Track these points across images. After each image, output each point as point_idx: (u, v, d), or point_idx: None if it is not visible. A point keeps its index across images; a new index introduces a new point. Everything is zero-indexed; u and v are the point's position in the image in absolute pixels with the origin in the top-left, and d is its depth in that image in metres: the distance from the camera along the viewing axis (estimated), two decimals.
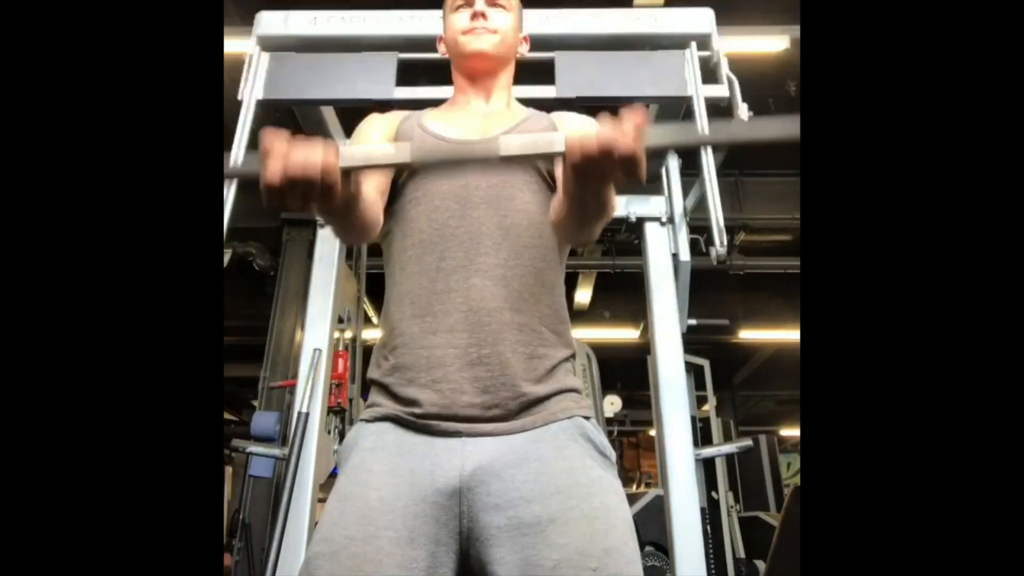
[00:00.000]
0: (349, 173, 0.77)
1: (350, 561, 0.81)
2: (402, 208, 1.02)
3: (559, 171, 1.01)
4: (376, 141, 1.08)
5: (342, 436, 3.33)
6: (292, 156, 0.71)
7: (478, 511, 0.85)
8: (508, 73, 1.17)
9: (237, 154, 1.84)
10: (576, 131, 0.74)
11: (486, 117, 1.10)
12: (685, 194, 2.31)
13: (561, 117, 1.11)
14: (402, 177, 1.03)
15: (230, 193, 1.80)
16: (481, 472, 0.86)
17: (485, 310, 0.92)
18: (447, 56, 1.18)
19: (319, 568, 0.82)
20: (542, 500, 0.84)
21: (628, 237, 2.36)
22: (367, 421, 0.95)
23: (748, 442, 2.54)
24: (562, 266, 1.05)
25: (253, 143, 1.91)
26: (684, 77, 1.89)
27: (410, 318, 0.94)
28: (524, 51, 1.21)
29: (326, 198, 0.74)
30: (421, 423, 0.90)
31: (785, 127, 0.68)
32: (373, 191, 0.99)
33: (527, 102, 1.18)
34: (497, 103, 1.14)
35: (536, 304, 0.96)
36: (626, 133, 0.71)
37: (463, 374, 0.89)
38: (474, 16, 1.09)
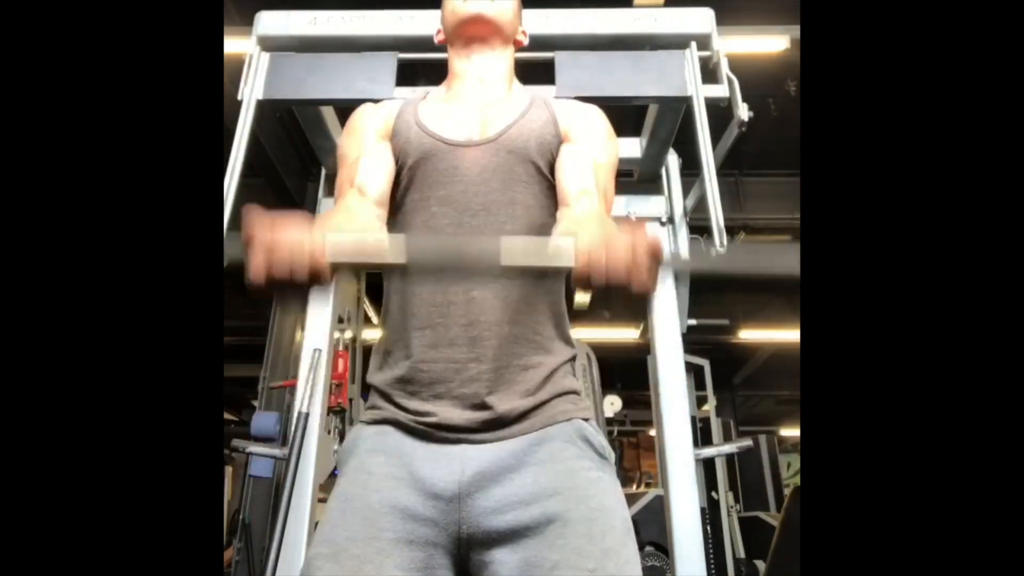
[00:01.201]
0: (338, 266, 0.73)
1: (351, 561, 0.81)
2: (400, 213, 1.00)
3: (560, 175, 0.99)
4: (372, 143, 1.03)
5: (342, 436, 3.33)
6: (277, 253, 0.68)
7: (477, 516, 0.85)
8: (507, 56, 1.11)
9: (237, 155, 1.84)
10: (586, 246, 0.69)
11: (484, 108, 1.05)
12: (685, 194, 2.31)
13: (561, 108, 1.06)
14: (402, 173, 1.01)
15: (230, 193, 1.80)
16: (480, 478, 0.86)
17: (485, 323, 0.91)
18: (444, 41, 1.13)
19: (320, 569, 0.82)
20: (541, 502, 0.84)
21: None
22: (367, 423, 0.95)
23: (748, 442, 2.54)
24: None
25: (253, 144, 1.91)
26: (684, 77, 1.89)
27: (409, 330, 0.94)
28: (524, 41, 1.16)
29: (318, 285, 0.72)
30: (421, 430, 0.90)
31: (791, 259, 0.68)
32: (374, 206, 0.97)
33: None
34: (496, 89, 1.08)
35: (535, 312, 0.95)
36: (639, 266, 0.67)
37: (464, 390, 0.89)
38: None
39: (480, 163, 0.98)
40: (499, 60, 1.09)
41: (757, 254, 0.73)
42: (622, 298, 0.69)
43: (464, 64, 1.09)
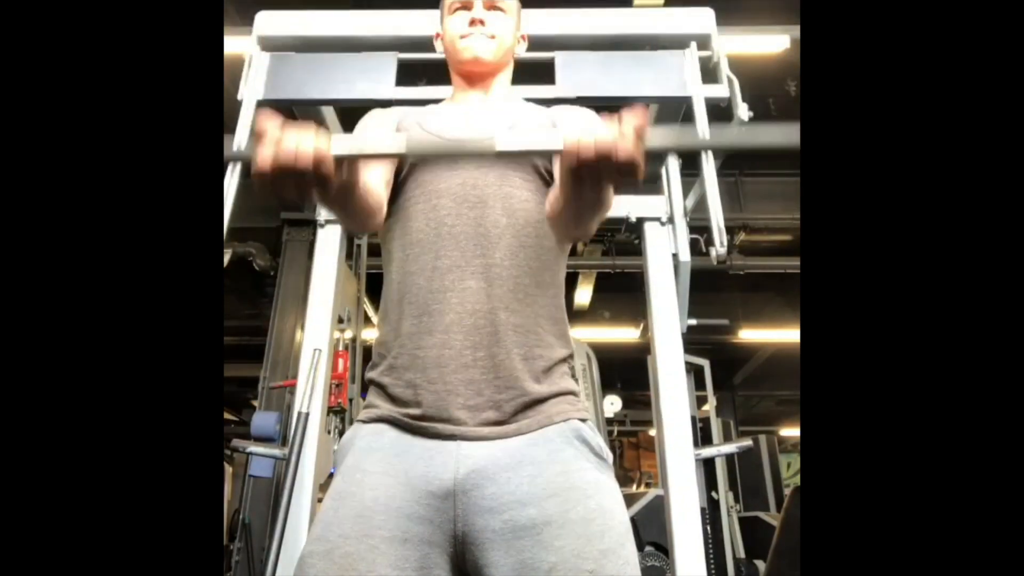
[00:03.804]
0: (343, 161, 0.76)
1: (343, 560, 0.81)
2: (400, 206, 1.02)
3: (556, 167, 1.01)
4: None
5: (342, 436, 3.33)
6: (284, 144, 0.71)
7: (472, 514, 0.85)
8: (506, 73, 1.17)
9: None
10: (575, 131, 0.73)
11: (484, 112, 1.10)
12: (685, 194, 2.30)
13: (561, 114, 1.09)
14: (402, 173, 1.03)
15: (230, 192, 1.80)
16: (476, 475, 0.86)
17: (481, 311, 0.92)
18: (444, 55, 1.17)
19: (313, 567, 0.82)
20: (537, 503, 0.84)
21: (628, 237, 2.35)
22: (363, 422, 0.95)
23: (748, 442, 2.54)
24: (561, 265, 1.05)
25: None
26: (684, 77, 1.90)
27: (406, 317, 0.94)
28: (522, 51, 1.20)
29: (320, 186, 0.74)
30: (416, 425, 0.90)
31: (785, 134, 0.68)
32: (376, 178, 0.99)
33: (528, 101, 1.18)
34: (495, 98, 1.14)
35: (532, 304, 0.95)
36: (625, 137, 0.70)
37: (458, 376, 0.89)
38: (472, 22, 1.09)
39: (478, 159, 1.00)
40: (499, 81, 1.15)
41: (740, 130, 0.74)
42: (612, 174, 0.72)
43: (464, 89, 1.14)
